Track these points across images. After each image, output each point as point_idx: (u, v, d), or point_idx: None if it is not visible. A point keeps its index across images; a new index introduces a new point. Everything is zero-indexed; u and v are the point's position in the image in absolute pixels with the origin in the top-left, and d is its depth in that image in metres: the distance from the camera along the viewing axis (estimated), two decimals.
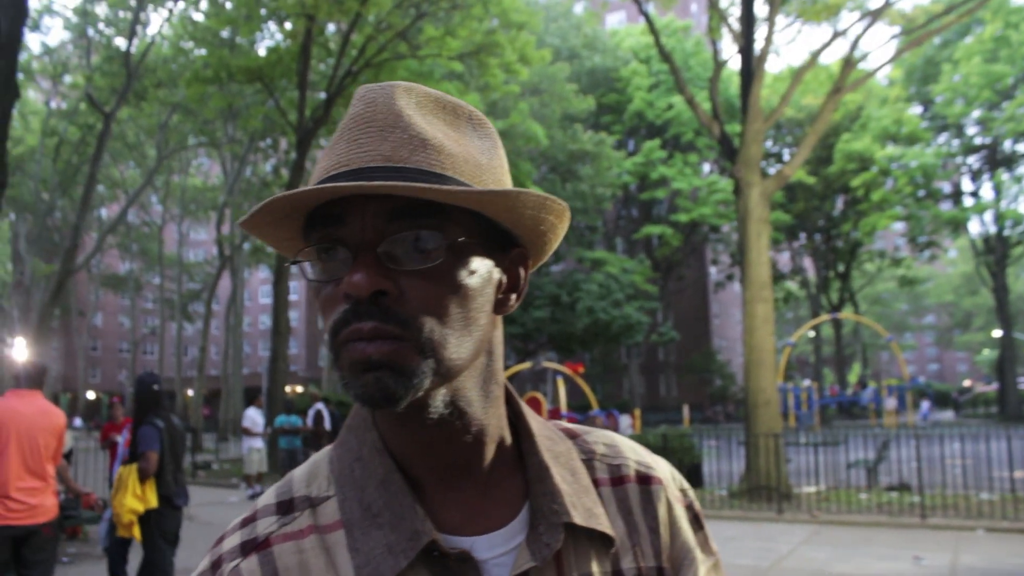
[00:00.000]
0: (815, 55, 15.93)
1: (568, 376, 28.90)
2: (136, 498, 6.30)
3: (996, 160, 40.10)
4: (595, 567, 0.83)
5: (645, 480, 0.91)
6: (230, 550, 0.81)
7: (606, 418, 26.74)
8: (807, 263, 53.32)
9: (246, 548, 0.80)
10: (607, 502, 0.88)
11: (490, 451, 0.84)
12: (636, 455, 0.94)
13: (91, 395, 62.41)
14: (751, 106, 14.82)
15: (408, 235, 0.74)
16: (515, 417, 0.90)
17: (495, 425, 0.85)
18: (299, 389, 45.27)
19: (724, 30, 16.40)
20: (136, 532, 6.42)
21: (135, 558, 6.97)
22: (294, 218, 0.79)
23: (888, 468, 16.05)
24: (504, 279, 0.83)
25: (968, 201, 42.07)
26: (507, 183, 0.84)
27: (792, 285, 51.71)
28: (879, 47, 37.36)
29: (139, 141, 37.04)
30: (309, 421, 15.82)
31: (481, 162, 0.80)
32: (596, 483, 0.89)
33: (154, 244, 44.84)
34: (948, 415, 50.49)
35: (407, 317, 0.74)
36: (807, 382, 43.84)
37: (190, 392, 45.13)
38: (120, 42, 29.44)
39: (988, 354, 76.75)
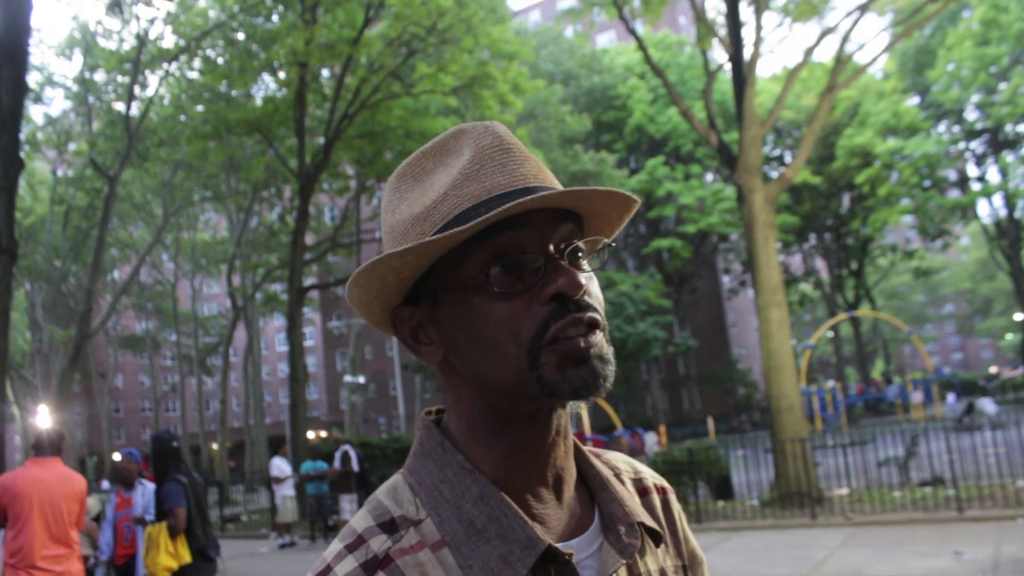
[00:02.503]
0: (807, 54, 15.94)
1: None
2: (169, 555, 6.32)
3: (999, 143, 39.93)
4: (653, 564, 0.94)
5: (662, 490, 1.04)
6: (349, 572, 0.82)
7: (631, 437, 26.49)
8: (819, 264, 53.10)
9: (369, 567, 0.82)
10: (654, 507, 1.02)
11: (572, 462, 0.93)
12: (648, 471, 1.07)
13: (117, 457, 62.48)
14: (746, 112, 14.84)
15: (580, 243, 0.87)
16: None
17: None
18: (323, 434, 45.22)
19: (713, 39, 16.47)
20: None
21: None
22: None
23: (919, 463, 15.84)
24: None
25: (975, 186, 41.84)
26: None
27: (806, 287, 51.46)
28: (871, 40, 37.56)
29: (146, 201, 37.41)
30: (336, 464, 15.80)
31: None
32: (632, 494, 1.00)
33: (168, 301, 45.10)
34: (990, 404, 49.87)
35: (598, 309, 0.85)
36: (831, 383, 43.48)
37: (214, 445, 45.16)
38: (120, 106, 29.83)
39: (1012, 338, 75.90)
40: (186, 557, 6.48)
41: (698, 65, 42.44)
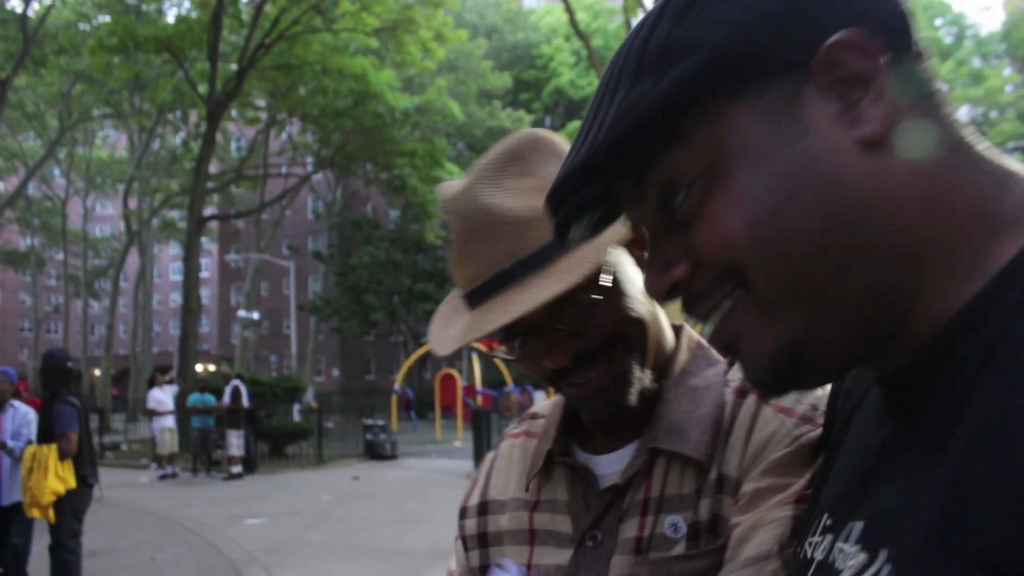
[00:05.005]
0: None
1: (482, 353, 29.06)
2: (58, 479, 6.18)
3: None
4: (685, 486, 0.96)
5: (743, 393, 1.00)
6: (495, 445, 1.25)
7: (520, 394, 26.97)
8: None
9: (496, 445, 1.24)
10: (722, 423, 0.98)
11: (633, 398, 1.00)
12: None
13: None
14: None
15: (562, 312, 0.95)
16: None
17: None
18: (211, 367, 44.34)
19: (639, 7, 16.63)
20: (51, 514, 6.29)
21: (37, 539, 6.81)
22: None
23: None
24: None
25: None
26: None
27: None
28: None
29: (39, 111, 35.44)
30: (226, 399, 15.58)
31: (540, 205, 0.92)
32: (723, 407, 1.00)
33: (57, 219, 43.08)
34: None
35: (597, 346, 0.96)
36: None
37: (97, 372, 43.77)
38: (15, 3, 28.09)
39: None
40: (72, 482, 6.36)
41: (625, 34, 42.67)
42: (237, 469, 15.38)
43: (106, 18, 25.78)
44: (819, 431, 0.89)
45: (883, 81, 0.54)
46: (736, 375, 1.03)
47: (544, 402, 1.21)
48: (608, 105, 0.60)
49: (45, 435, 6.38)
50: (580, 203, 0.64)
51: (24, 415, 6.88)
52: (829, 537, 0.62)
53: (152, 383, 16.87)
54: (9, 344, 72.99)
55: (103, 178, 42.17)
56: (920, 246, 0.54)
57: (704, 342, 1.09)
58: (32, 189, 43.49)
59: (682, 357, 1.05)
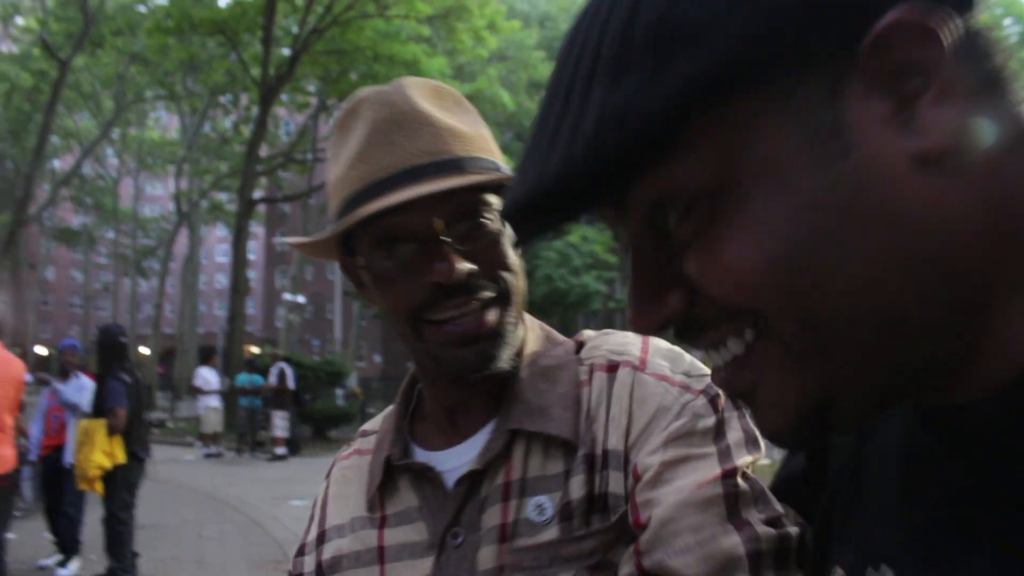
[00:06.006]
0: None
1: None
2: (104, 454, 6.25)
3: None
4: (550, 468, 0.89)
5: (612, 367, 0.93)
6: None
7: None
8: None
9: (329, 468, 1.11)
10: (582, 400, 0.91)
11: (504, 361, 0.93)
12: (616, 346, 0.96)
13: (41, 350, 61.32)
14: None
15: (469, 220, 0.89)
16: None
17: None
18: (255, 349, 44.93)
19: None
20: (99, 487, 6.37)
21: (91, 511, 6.94)
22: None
23: None
24: None
25: None
26: (494, 144, 0.97)
27: None
28: None
29: (95, 91, 36.06)
30: (272, 380, 15.73)
31: (483, 134, 0.94)
32: (580, 385, 0.93)
33: (109, 198, 43.87)
34: None
35: (489, 282, 0.89)
36: None
37: (144, 350, 44.53)
38: None
39: None
40: (120, 457, 6.43)
41: None
42: (281, 450, 15.52)
43: (163, 1, 26.09)
44: (702, 400, 0.86)
45: (948, 72, 0.41)
46: (592, 355, 0.96)
47: (374, 419, 1.13)
48: (580, 105, 0.46)
49: (97, 409, 6.47)
50: (548, 223, 0.50)
51: (85, 385, 7.02)
52: None
53: (204, 362, 17.11)
54: (60, 319, 74.55)
55: (154, 159, 42.83)
56: (994, 281, 0.43)
57: (543, 324, 1.06)
58: (86, 168, 44.35)
59: (530, 336, 1.00)
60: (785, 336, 0.45)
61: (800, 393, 0.46)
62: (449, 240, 0.87)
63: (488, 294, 0.88)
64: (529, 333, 1.00)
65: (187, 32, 21.92)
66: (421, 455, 0.98)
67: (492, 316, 0.88)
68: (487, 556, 0.87)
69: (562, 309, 42.18)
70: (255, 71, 22.33)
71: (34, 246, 55.98)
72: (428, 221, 0.86)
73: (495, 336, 0.89)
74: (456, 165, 0.87)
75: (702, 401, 0.87)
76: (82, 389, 7.06)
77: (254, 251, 74.14)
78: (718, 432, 0.84)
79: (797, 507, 0.76)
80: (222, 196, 38.30)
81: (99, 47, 28.34)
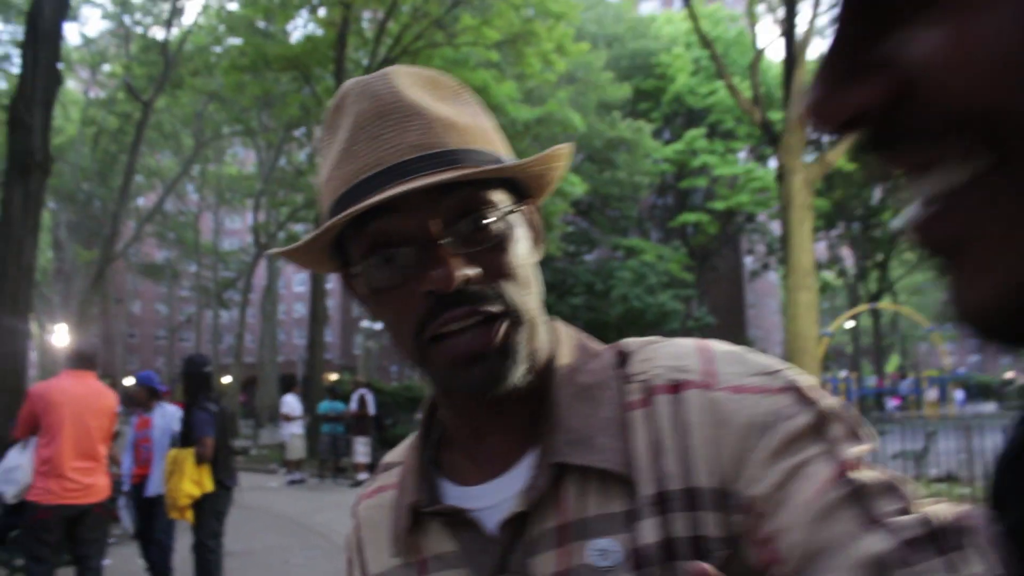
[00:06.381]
0: None
1: None
2: (193, 483, 6.35)
3: None
4: (609, 506, 0.76)
5: (675, 388, 0.79)
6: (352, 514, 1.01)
7: None
8: (844, 252, 52.69)
9: (352, 512, 1.01)
10: (637, 427, 0.79)
11: (525, 398, 0.84)
12: (672, 360, 0.82)
13: (130, 382, 63.30)
14: (795, 91, 14.59)
15: (469, 219, 0.78)
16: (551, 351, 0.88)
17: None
18: (333, 376, 45.62)
19: (765, 14, 16.20)
20: (189, 515, 6.47)
21: (182, 538, 7.05)
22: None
23: (934, 460, 15.77)
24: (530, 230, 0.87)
25: None
26: (500, 140, 0.87)
27: (829, 275, 51.10)
28: None
29: (175, 130, 37.36)
30: (353, 406, 15.91)
31: (484, 126, 0.84)
32: (627, 407, 0.80)
33: (190, 232, 45.24)
34: (990, 407, 49.75)
35: (493, 292, 0.78)
36: (843, 372, 43.34)
37: (226, 379, 45.57)
38: (157, 31, 29.68)
39: None
40: (208, 486, 6.52)
41: (744, 42, 41.77)
42: (363, 476, 15.62)
43: (237, 40, 26.90)
44: (787, 398, 0.74)
45: None
46: (643, 370, 0.82)
47: (395, 449, 1.02)
48: None
49: (185, 439, 6.57)
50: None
51: (172, 414, 7.17)
52: None
53: (288, 389, 17.41)
54: (146, 351, 76.97)
55: (233, 193, 44.07)
56: None
57: (578, 331, 0.91)
58: (168, 205, 45.91)
59: (564, 350, 0.87)
60: None
61: None
62: (448, 241, 0.76)
63: (493, 307, 0.77)
64: (561, 344, 0.88)
65: (261, 69, 22.52)
66: (453, 492, 0.86)
67: (499, 330, 0.77)
68: None
69: (639, 329, 41.86)
70: (328, 104, 22.78)
71: (120, 281, 58.07)
72: (423, 222, 0.76)
73: (503, 354, 0.77)
74: (451, 158, 0.77)
75: (787, 399, 0.74)
76: (170, 417, 7.21)
77: (330, 280, 75.53)
78: (817, 426, 0.72)
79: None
80: (299, 227, 39.15)
81: (178, 88, 29.34)
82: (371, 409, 15.84)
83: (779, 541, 0.68)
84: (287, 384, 17.98)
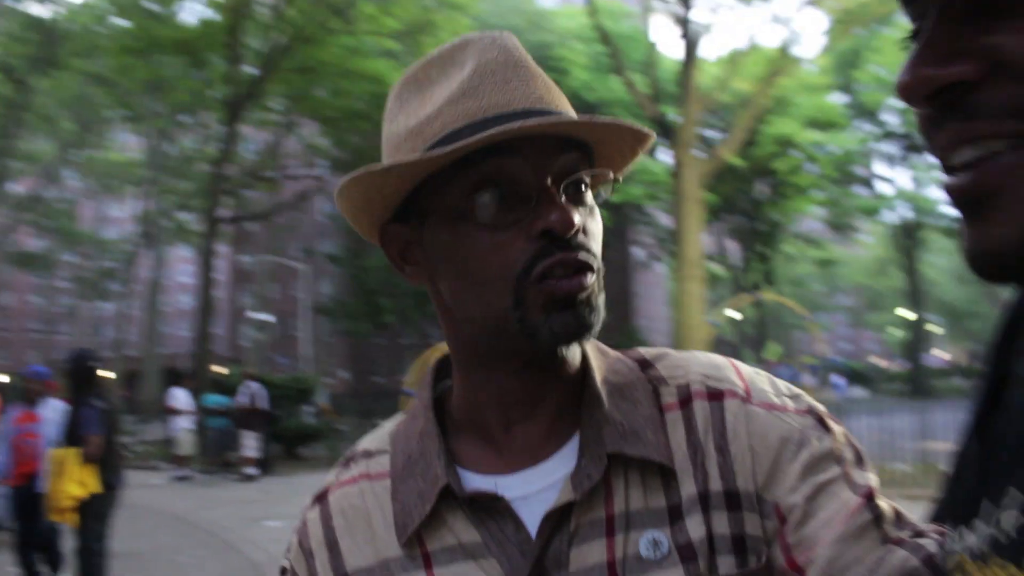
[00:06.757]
0: (752, 42, 16.28)
1: None
2: (77, 484, 6.09)
3: (910, 148, 41.50)
4: (652, 500, 0.80)
5: (715, 396, 0.84)
6: (306, 506, 0.94)
7: None
8: (729, 244, 54.47)
9: (313, 501, 0.93)
10: (674, 427, 0.83)
11: (563, 386, 0.86)
12: (708, 370, 0.87)
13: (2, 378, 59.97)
14: (689, 88, 15.03)
15: (572, 181, 0.81)
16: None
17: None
18: (221, 369, 44.41)
19: (662, 13, 16.63)
20: (71, 518, 6.22)
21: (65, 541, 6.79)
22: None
23: None
24: None
25: (884, 186, 43.52)
26: None
27: (715, 266, 52.75)
28: (811, 34, 38.41)
29: (55, 113, 35.50)
30: (243, 399, 15.55)
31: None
32: (664, 409, 0.85)
33: (69, 220, 43.17)
34: (861, 392, 52.39)
35: (592, 250, 0.81)
36: None
37: (107, 373, 43.78)
38: (39, 9, 28.15)
39: (897, 333, 79.77)
40: (94, 487, 6.26)
41: (639, 38, 42.55)
42: (252, 471, 15.32)
43: (123, 22, 25.77)
44: (811, 419, 0.83)
45: None
46: (674, 376, 0.87)
47: (373, 435, 0.96)
48: None
49: (69, 438, 6.30)
50: None
51: (60, 409, 6.82)
52: None
53: (178, 383, 16.92)
54: (18, 345, 73.12)
55: (116, 180, 42.23)
56: None
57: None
58: (47, 191, 43.67)
59: (589, 348, 0.90)
60: None
61: None
62: (561, 191, 0.80)
63: (592, 261, 0.80)
64: (591, 347, 0.91)
65: (151, 52, 21.66)
66: (474, 480, 0.84)
67: (590, 280, 0.79)
68: None
69: None
70: (220, 90, 22.12)
71: None
72: (541, 168, 0.78)
73: (591, 306, 0.80)
74: (568, 120, 0.79)
75: (811, 421, 0.83)
76: (57, 412, 6.88)
77: (219, 270, 73.41)
78: (836, 449, 0.81)
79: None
80: (186, 216, 37.90)
81: (60, 68, 27.93)
82: (262, 403, 15.54)
83: (802, 550, 0.76)
84: (177, 377, 17.48)
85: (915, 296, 43.51)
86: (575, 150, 0.80)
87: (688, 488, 0.80)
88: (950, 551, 0.58)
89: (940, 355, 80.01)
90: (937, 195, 40.88)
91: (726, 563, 0.78)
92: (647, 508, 0.80)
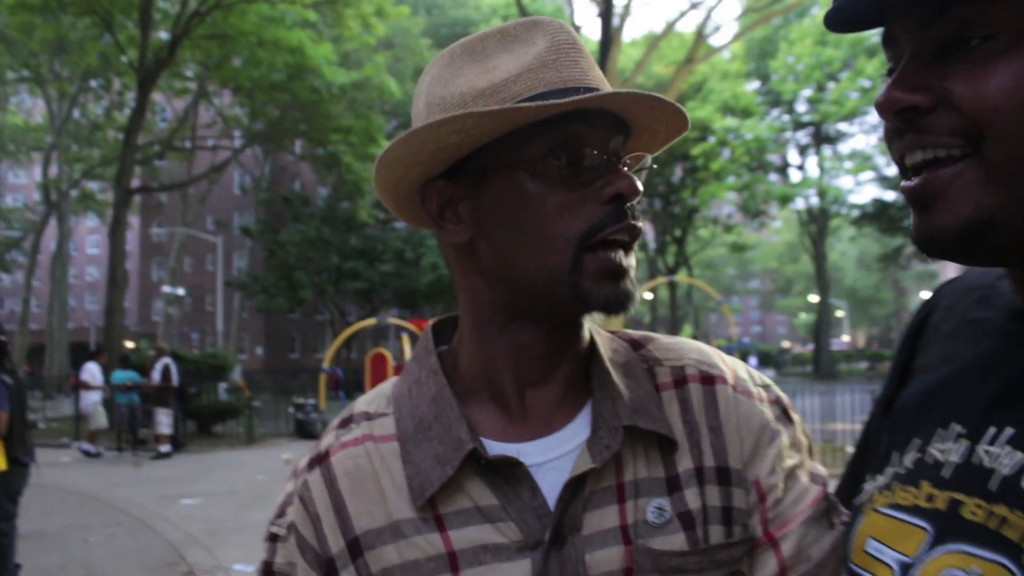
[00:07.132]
0: (670, 25, 16.51)
1: (413, 333, 28.91)
2: None
3: (821, 137, 42.80)
4: (654, 470, 0.87)
5: (708, 380, 0.93)
6: (302, 468, 0.94)
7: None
8: (645, 227, 55.32)
9: (312, 463, 0.93)
10: (669, 405, 0.90)
11: (576, 355, 0.91)
12: (699, 355, 0.95)
13: None
14: (609, 70, 15.18)
15: (627, 157, 0.89)
16: None
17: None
18: (130, 344, 43.14)
19: None
20: None
21: None
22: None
23: None
24: None
25: (794, 174, 44.80)
26: None
27: None
28: (727, 21, 39.04)
29: None
30: (156, 376, 15.17)
31: None
32: (659, 388, 0.92)
33: None
34: (770, 373, 54.03)
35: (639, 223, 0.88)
36: None
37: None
38: None
39: (805, 317, 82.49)
40: (1, 464, 6.08)
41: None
42: (166, 448, 15.00)
43: None
44: (778, 409, 0.95)
45: None
46: (667, 358, 0.95)
47: (369, 397, 0.97)
48: None
49: None
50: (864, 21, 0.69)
51: None
52: (965, 443, 0.68)
53: (92, 357, 16.40)
54: None
55: (17, 145, 40.42)
56: None
57: None
58: None
59: (591, 326, 0.95)
60: (992, 157, 0.61)
61: (977, 208, 0.62)
62: (624, 161, 0.88)
63: (640, 227, 0.87)
64: (593, 326, 0.95)
65: (55, 11, 20.75)
66: (495, 446, 0.87)
67: (632, 258, 0.87)
68: (608, 558, 0.83)
69: (448, 298, 42.19)
70: (131, 54, 21.36)
71: None
72: (610, 137, 0.86)
73: (633, 279, 0.87)
74: None
75: (778, 411, 0.94)
76: None
77: (129, 242, 71.01)
78: (798, 440, 0.94)
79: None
80: (93, 185, 36.53)
81: None
82: (175, 380, 15.21)
83: (777, 526, 0.88)
84: (88, 352, 16.93)
85: (821, 282, 45.04)
86: (622, 133, 0.88)
87: (685, 463, 0.88)
88: (866, 494, 0.80)
89: (844, 339, 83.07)
90: (845, 184, 42.21)
91: (716, 532, 0.87)
92: (651, 478, 0.87)
